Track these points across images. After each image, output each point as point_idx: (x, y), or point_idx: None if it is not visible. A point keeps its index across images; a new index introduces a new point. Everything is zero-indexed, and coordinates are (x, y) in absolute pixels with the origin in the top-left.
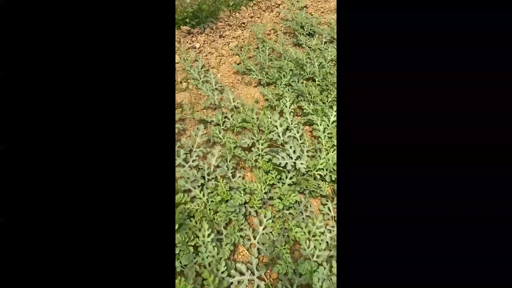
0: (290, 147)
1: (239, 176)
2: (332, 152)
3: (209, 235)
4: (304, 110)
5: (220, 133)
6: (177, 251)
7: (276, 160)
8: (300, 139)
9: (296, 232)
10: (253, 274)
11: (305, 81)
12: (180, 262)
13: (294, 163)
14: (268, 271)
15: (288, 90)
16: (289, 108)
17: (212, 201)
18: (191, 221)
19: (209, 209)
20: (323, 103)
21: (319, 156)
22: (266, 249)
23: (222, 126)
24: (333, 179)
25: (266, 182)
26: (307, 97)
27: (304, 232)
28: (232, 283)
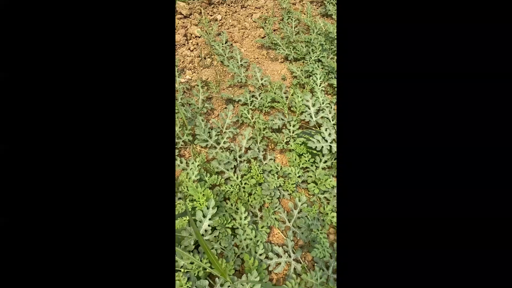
0: (326, 129)
1: (270, 159)
2: None
3: (245, 217)
4: (335, 88)
5: (249, 114)
6: (216, 234)
7: (312, 144)
8: (333, 120)
9: (333, 217)
10: (290, 257)
11: (335, 57)
12: (220, 243)
13: (330, 146)
14: (303, 253)
15: (318, 66)
16: (320, 86)
17: (246, 184)
18: (226, 203)
19: (244, 192)
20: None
21: None
22: (302, 233)
23: (250, 105)
24: None
25: (299, 165)
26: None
27: None
28: (270, 265)
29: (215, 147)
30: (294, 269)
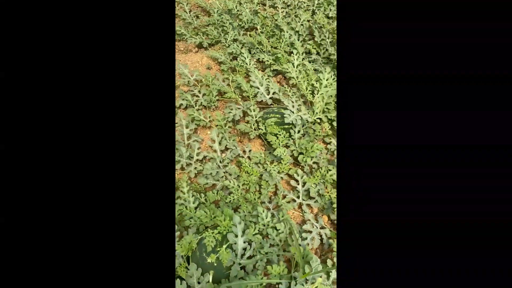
0: (289, 102)
1: (250, 150)
2: (321, 93)
3: (266, 214)
4: (266, 62)
5: (201, 115)
6: (253, 246)
7: (287, 119)
8: (284, 92)
9: (331, 175)
10: (316, 227)
11: (248, 32)
12: (260, 252)
13: (300, 116)
14: (320, 216)
15: (238, 46)
16: (250, 64)
17: (246, 184)
18: (239, 212)
19: (250, 193)
20: (275, 48)
21: (310, 102)
22: (315, 202)
23: (197, 106)
24: (330, 117)
25: (280, 145)
26: (258, 48)
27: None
28: (308, 243)
29: (190, 164)
30: (325, 234)
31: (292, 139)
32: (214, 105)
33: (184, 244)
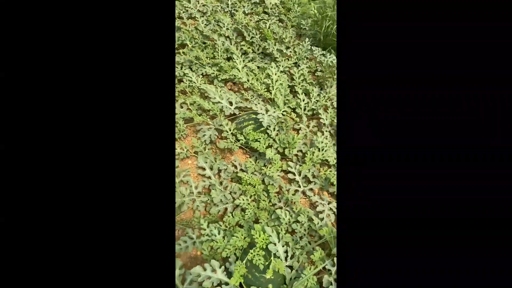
0: (256, 105)
1: (239, 163)
2: (276, 88)
3: (285, 213)
4: (211, 75)
5: (177, 148)
6: (289, 248)
7: (264, 123)
8: (243, 97)
9: (317, 156)
10: (326, 204)
11: (181, 50)
12: (297, 248)
13: (272, 115)
14: (322, 193)
15: (177, 67)
16: (198, 82)
17: (256, 195)
18: (261, 222)
19: (264, 201)
20: (214, 58)
21: (269, 99)
22: (314, 184)
23: None
24: (292, 106)
25: (264, 147)
26: (197, 63)
27: (323, 141)
28: (323, 217)
29: (194, 200)
30: (334, 207)
31: (271, 138)
32: (184, 134)
33: (236, 274)
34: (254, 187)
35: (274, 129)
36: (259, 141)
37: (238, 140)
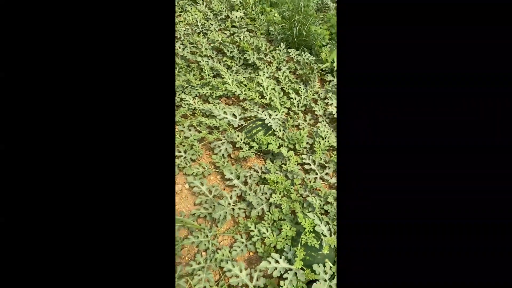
0: (258, 112)
1: (259, 167)
2: (270, 93)
3: (315, 199)
4: (206, 94)
5: (198, 168)
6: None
7: (273, 126)
8: (243, 108)
9: (324, 144)
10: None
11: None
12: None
13: (276, 118)
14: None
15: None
16: (197, 103)
17: (285, 194)
18: (297, 212)
19: (292, 194)
20: (202, 79)
21: (266, 104)
22: (329, 168)
23: (187, 165)
24: (287, 106)
25: (277, 148)
26: (189, 86)
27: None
28: None
29: (233, 209)
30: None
31: (280, 138)
32: (200, 154)
33: (297, 259)
34: (281, 184)
35: (280, 130)
36: (271, 143)
37: (252, 147)
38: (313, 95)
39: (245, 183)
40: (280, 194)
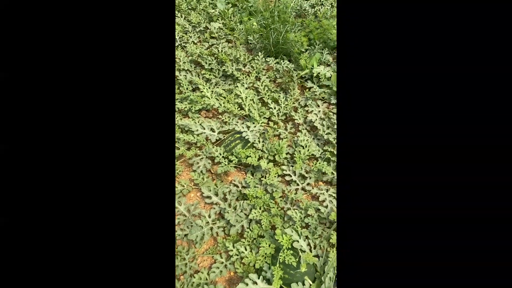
0: (236, 124)
1: (239, 181)
2: (248, 104)
3: (295, 212)
4: (184, 108)
5: (178, 186)
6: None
7: (251, 139)
8: (222, 121)
9: (304, 153)
10: (326, 191)
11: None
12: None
13: (255, 129)
14: (318, 184)
15: None
16: (177, 118)
17: (263, 205)
18: (277, 227)
19: (272, 209)
20: (181, 93)
21: (246, 115)
22: (310, 178)
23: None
24: (266, 116)
25: (256, 160)
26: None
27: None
28: (327, 205)
29: (212, 228)
30: (333, 192)
31: (259, 150)
32: (179, 172)
33: (275, 278)
34: (261, 198)
35: (259, 141)
36: (251, 156)
37: (231, 161)
38: (293, 103)
39: (225, 199)
40: (260, 209)
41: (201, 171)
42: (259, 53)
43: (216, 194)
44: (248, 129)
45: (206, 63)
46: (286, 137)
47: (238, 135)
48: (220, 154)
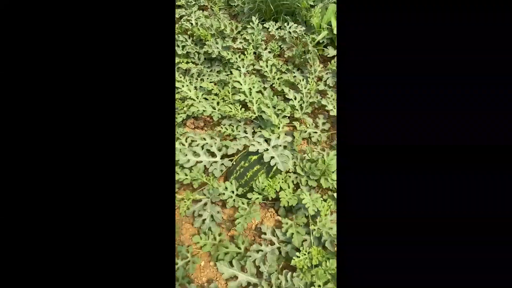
0: (246, 137)
1: (271, 231)
2: (255, 96)
3: None
4: None
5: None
6: None
7: (273, 161)
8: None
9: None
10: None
11: None
12: None
13: (275, 145)
14: None
15: None
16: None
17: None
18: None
19: None
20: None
21: (258, 115)
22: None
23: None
24: (286, 113)
25: (291, 193)
26: None
27: None
28: None
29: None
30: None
31: (292, 173)
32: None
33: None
34: (321, 269)
35: (294, 167)
36: (285, 190)
37: (249, 199)
38: (317, 84)
39: (259, 273)
40: (321, 285)
41: (210, 228)
42: (252, 18)
43: (242, 268)
44: (269, 144)
45: (178, 46)
46: (319, 140)
47: (255, 157)
48: (234, 193)
